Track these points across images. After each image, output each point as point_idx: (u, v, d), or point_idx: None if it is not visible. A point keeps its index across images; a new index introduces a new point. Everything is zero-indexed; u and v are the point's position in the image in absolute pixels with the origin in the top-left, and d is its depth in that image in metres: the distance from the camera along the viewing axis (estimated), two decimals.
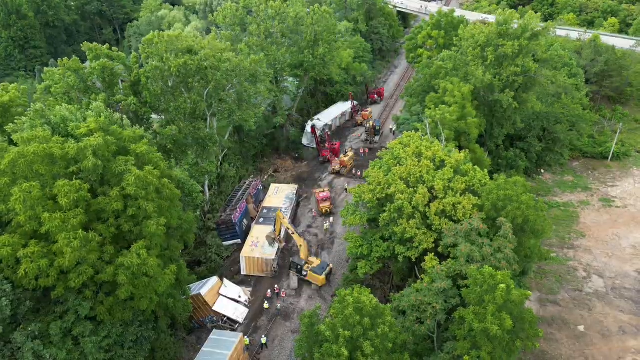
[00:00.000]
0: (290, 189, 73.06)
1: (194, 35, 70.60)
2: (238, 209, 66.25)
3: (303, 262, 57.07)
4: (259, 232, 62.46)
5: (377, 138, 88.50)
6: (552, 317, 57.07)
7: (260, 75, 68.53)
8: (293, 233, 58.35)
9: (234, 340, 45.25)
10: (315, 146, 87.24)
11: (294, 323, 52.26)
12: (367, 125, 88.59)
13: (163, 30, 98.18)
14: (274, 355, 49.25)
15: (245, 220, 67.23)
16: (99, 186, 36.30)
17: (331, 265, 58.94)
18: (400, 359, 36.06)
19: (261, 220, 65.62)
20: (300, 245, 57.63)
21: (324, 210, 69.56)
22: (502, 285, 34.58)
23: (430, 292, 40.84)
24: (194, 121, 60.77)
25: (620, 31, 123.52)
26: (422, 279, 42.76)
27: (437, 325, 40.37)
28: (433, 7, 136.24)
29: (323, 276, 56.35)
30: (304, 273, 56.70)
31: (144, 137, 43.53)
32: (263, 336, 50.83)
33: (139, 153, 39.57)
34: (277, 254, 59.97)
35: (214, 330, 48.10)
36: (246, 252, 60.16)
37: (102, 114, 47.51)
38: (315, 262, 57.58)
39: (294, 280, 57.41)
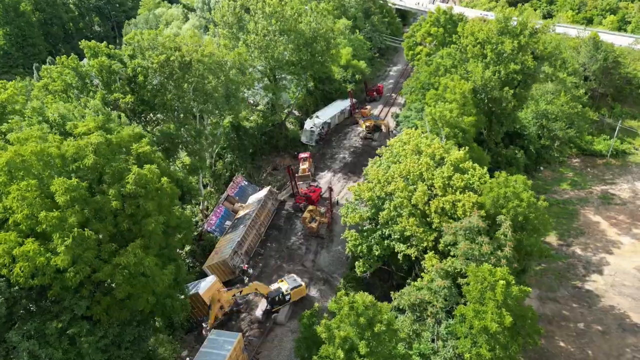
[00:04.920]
0: (262, 193, 70.62)
1: (177, 32, 71.14)
2: (213, 217, 65.85)
3: (280, 291, 52.70)
4: (224, 242, 61.14)
5: (376, 135, 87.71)
6: (551, 314, 57.07)
7: (246, 68, 68.41)
8: (240, 292, 51.73)
9: (233, 340, 45.02)
10: (314, 144, 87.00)
11: (293, 323, 52.05)
12: (367, 124, 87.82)
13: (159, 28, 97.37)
14: (273, 355, 49.08)
15: (228, 222, 66.47)
16: (96, 185, 36.07)
17: (294, 275, 56.54)
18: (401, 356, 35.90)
19: (230, 231, 63.91)
20: (256, 290, 52.00)
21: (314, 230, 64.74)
22: (502, 282, 34.49)
23: (430, 290, 40.76)
24: (184, 118, 60.74)
25: (619, 29, 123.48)
26: (422, 277, 42.65)
27: (437, 323, 40.29)
28: (432, 5, 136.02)
29: (302, 285, 54.55)
30: (287, 298, 53.00)
31: (143, 136, 43.39)
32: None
33: (140, 152, 39.33)
34: (232, 253, 57.09)
35: (213, 330, 47.84)
36: (208, 262, 58.64)
37: (99, 112, 47.39)
38: (283, 283, 54.24)
39: (258, 312, 53.56)
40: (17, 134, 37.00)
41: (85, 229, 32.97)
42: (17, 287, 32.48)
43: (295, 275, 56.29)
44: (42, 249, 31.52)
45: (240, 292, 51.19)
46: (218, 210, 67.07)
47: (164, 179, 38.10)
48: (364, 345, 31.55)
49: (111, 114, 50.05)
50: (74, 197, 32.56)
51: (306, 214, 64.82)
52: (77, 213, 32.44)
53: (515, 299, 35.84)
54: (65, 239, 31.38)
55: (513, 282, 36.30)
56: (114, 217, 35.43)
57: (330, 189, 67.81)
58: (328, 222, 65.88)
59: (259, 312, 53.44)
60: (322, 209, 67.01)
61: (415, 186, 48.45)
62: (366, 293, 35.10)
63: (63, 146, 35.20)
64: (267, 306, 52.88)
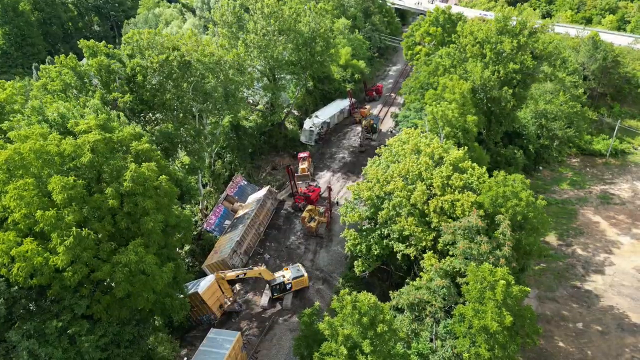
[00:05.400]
0: (261, 192, 70.53)
1: (177, 31, 71.01)
2: (213, 216, 65.93)
3: (281, 280, 53.88)
4: (223, 241, 61.14)
5: (374, 136, 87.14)
6: (551, 314, 57.15)
7: (245, 68, 68.48)
8: (244, 274, 52.61)
9: (232, 339, 45.05)
10: (313, 144, 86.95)
11: (292, 322, 52.11)
12: (364, 123, 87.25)
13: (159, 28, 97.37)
14: (272, 354, 49.09)
15: (227, 221, 66.52)
16: (95, 184, 36.01)
17: (299, 264, 57.56)
18: (400, 356, 35.92)
19: (229, 230, 63.74)
20: (260, 274, 52.80)
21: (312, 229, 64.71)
22: (502, 282, 34.50)
23: (429, 289, 40.75)
24: (183, 118, 60.72)
25: (618, 28, 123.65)
26: (421, 277, 42.65)
27: (436, 323, 40.30)
28: (431, 4, 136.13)
29: (305, 275, 55.21)
30: (288, 287, 54.24)
31: (142, 135, 43.37)
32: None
33: (140, 150, 39.30)
34: (231, 252, 57.27)
35: (212, 329, 47.89)
36: (207, 261, 58.75)
37: (99, 112, 47.35)
38: (287, 271, 55.39)
39: (264, 299, 54.81)
40: (18, 131, 36.88)
41: (84, 228, 32.90)
42: (16, 287, 32.45)
43: (300, 265, 57.44)
44: (40, 248, 31.42)
45: (245, 273, 52.15)
46: (217, 210, 67.10)
47: (163, 177, 38.04)
48: (368, 344, 31.66)
49: (111, 114, 50.02)
50: (71, 195, 32.46)
51: (305, 214, 64.88)
52: (75, 212, 32.35)
53: (514, 299, 35.88)
54: (65, 238, 31.31)
55: (513, 282, 36.33)
56: (112, 216, 35.37)
57: (329, 189, 67.80)
58: (327, 221, 65.87)
59: (264, 300, 54.45)
60: (321, 209, 67.04)
61: (414, 186, 48.47)
62: (370, 293, 35.16)
63: (62, 144, 35.12)
64: (272, 294, 54.02)
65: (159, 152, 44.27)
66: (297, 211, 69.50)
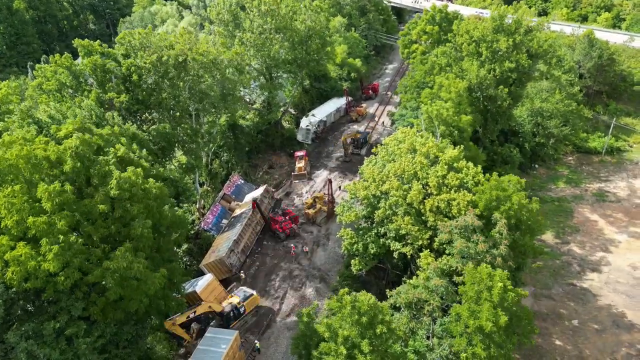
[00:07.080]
0: (258, 191, 70.17)
1: (172, 29, 70.85)
2: (210, 215, 65.97)
3: (234, 305, 50.63)
4: (220, 240, 60.92)
5: (363, 151, 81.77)
6: (546, 311, 57.43)
7: (243, 67, 68.39)
8: (194, 313, 46.96)
9: (230, 338, 45.11)
10: (310, 142, 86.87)
11: (290, 321, 52.19)
12: (349, 140, 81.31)
13: (155, 26, 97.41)
14: (270, 352, 49.18)
15: (225, 220, 66.55)
16: (85, 187, 35.80)
17: (242, 287, 54.86)
18: (398, 356, 36.07)
19: (226, 229, 63.46)
20: (209, 307, 48.48)
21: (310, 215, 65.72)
22: (500, 284, 34.63)
23: (427, 288, 40.90)
24: (180, 117, 60.64)
25: (614, 26, 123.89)
26: (418, 275, 42.79)
27: (433, 321, 40.47)
28: (427, 2, 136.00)
29: (254, 294, 52.91)
30: (242, 310, 50.89)
31: (125, 135, 43.02)
32: (256, 341, 49.23)
33: (120, 156, 38.96)
34: (229, 251, 56.86)
35: (210, 328, 47.94)
36: (204, 260, 58.61)
37: (92, 112, 47.15)
38: (235, 297, 52.05)
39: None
40: (2, 138, 36.61)
41: (73, 234, 32.74)
42: (14, 289, 32.46)
43: (244, 287, 54.98)
44: (33, 252, 31.36)
45: (195, 312, 47.16)
46: (215, 209, 67.11)
47: (152, 181, 37.74)
48: (367, 344, 31.79)
49: (100, 113, 49.83)
50: (60, 201, 32.33)
51: (309, 200, 65.19)
52: (66, 217, 32.23)
53: (511, 301, 36.00)
54: (53, 246, 31.19)
55: (510, 285, 36.38)
56: (104, 219, 35.22)
57: (330, 181, 67.59)
58: (328, 213, 65.95)
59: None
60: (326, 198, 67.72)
61: (410, 185, 48.60)
62: (369, 294, 35.28)
63: (47, 150, 34.93)
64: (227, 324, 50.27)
65: (144, 152, 43.67)
66: (278, 239, 64.32)
